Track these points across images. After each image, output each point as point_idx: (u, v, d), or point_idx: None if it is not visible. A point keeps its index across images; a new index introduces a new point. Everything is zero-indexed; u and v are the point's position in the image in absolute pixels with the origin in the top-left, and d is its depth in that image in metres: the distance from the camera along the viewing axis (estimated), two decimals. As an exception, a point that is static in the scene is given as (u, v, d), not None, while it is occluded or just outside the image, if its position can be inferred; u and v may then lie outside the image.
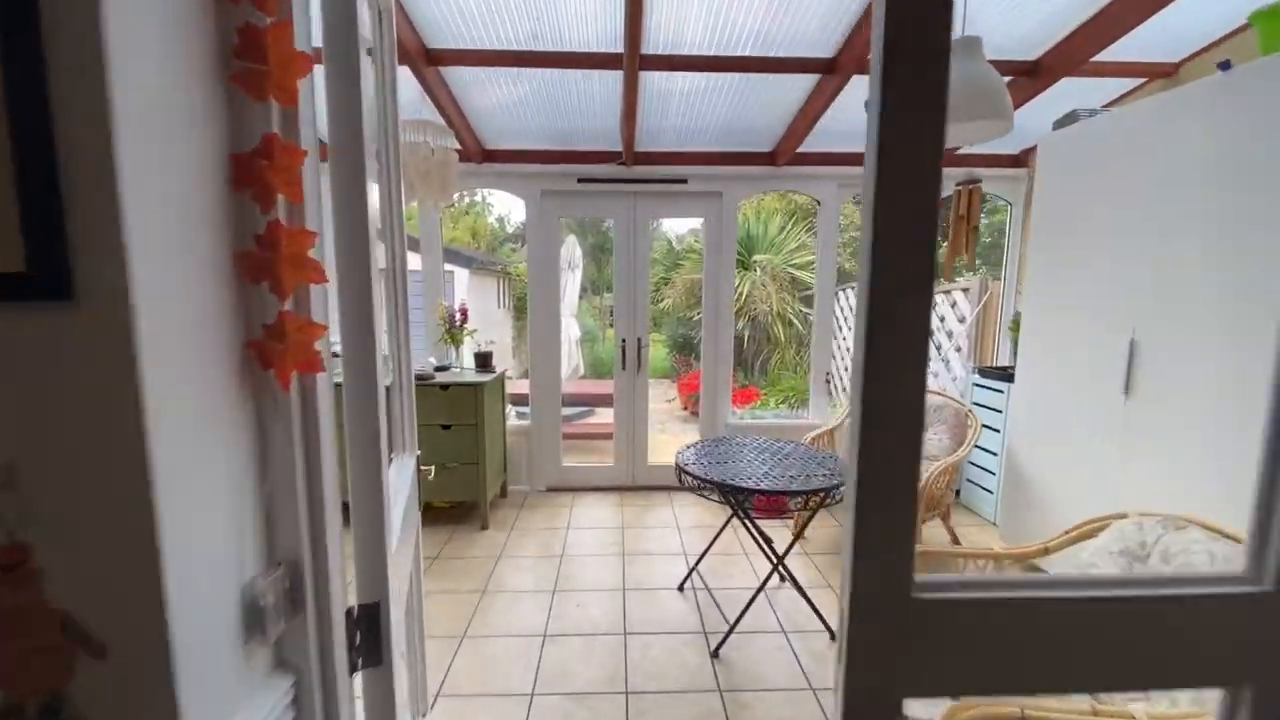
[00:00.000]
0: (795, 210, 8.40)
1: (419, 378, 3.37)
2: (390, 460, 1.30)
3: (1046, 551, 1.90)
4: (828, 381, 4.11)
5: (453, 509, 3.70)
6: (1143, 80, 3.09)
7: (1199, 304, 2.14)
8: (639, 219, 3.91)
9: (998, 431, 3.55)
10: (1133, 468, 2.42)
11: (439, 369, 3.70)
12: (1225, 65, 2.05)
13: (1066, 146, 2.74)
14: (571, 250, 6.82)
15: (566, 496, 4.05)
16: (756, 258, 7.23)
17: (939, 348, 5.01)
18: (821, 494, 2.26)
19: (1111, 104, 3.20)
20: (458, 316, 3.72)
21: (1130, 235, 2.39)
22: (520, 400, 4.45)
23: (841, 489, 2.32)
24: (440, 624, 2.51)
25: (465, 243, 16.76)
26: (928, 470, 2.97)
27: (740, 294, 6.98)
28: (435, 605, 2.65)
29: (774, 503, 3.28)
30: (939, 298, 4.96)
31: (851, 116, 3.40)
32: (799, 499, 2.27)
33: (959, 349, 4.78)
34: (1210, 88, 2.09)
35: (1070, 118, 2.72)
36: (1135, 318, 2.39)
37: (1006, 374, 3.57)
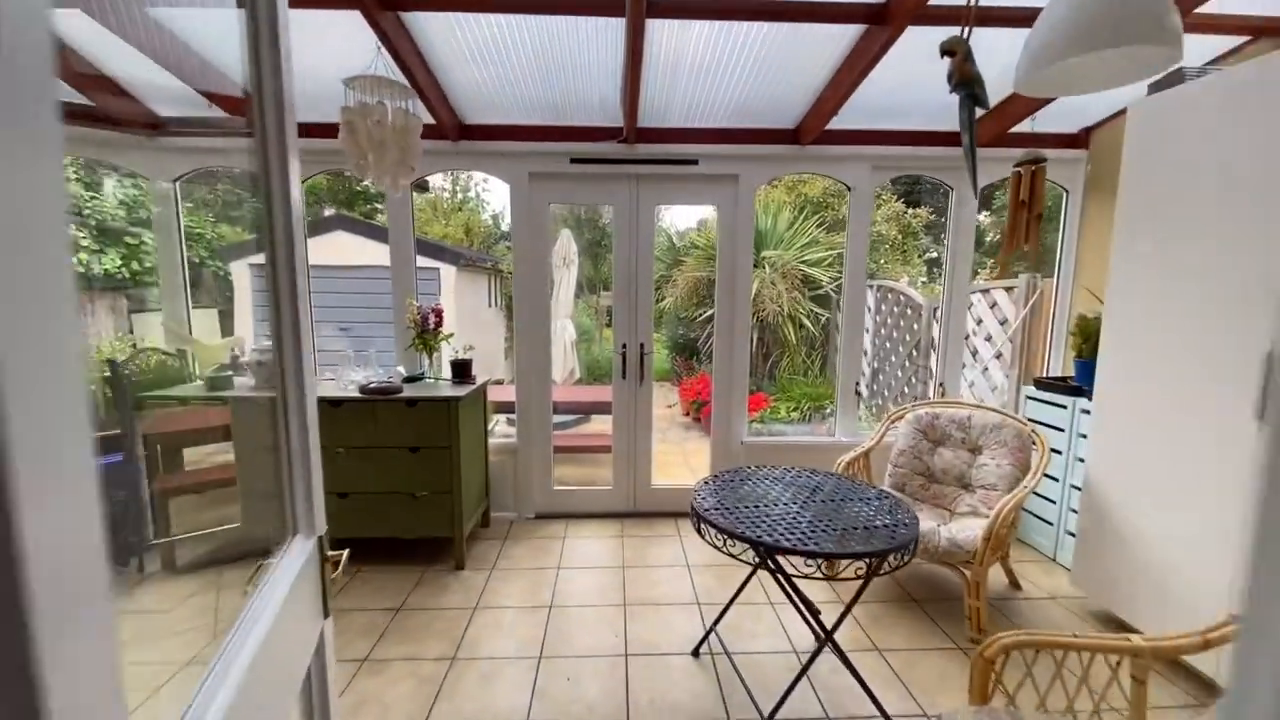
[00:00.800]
0: (805, 203, 7.89)
1: (381, 391, 2.84)
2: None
3: (1207, 645, 1.40)
4: (858, 393, 3.59)
5: (423, 545, 3.17)
6: (1246, 39, 2.59)
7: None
8: (642, 206, 3.39)
9: (1058, 453, 3.04)
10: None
11: (409, 380, 3.17)
12: None
13: (1169, 113, 2.23)
14: (566, 246, 6.30)
15: (558, 525, 3.53)
16: (765, 254, 6.72)
17: (975, 353, 4.50)
18: (887, 556, 1.74)
19: (1213, 63, 2.70)
20: (431, 319, 3.19)
21: (1268, 221, 1.88)
22: (511, 408, 3.93)
23: (912, 547, 1.81)
24: (396, 711, 1.99)
25: (458, 240, 16.23)
26: (991, 504, 2.45)
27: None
28: (391, 683, 2.13)
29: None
30: (975, 298, 4.45)
31: (895, 84, 2.89)
32: (856, 563, 1.75)
33: (998, 355, 4.27)
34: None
35: (1176, 77, 2.21)
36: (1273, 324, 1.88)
37: (1069, 386, 3.07)
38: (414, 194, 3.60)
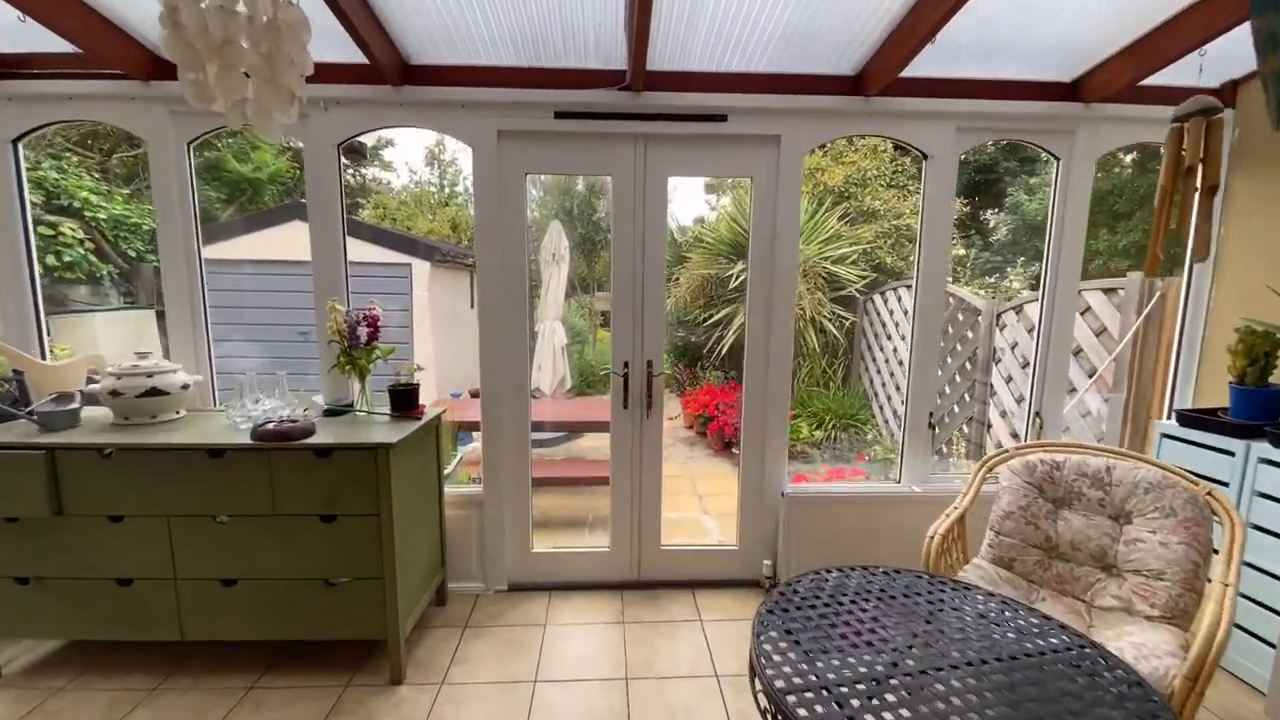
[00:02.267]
0: (825, 193, 7.05)
1: (280, 436, 1.97)
2: None
3: None
4: (932, 427, 2.74)
5: (347, 646, 2.30)
6: None
7: None
8: (651, 177, 2.53)
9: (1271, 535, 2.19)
10: None
11: (333, 413, 2.31)
12: None
13: None
14: (557, 241, 5.43)
15: (538, 601, 2.66)
16: (783, 249, 5.89)
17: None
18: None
19: None
20: (362, 330, 2.32)
21: None
22: (476, 426, 3.06)
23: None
24: None
25: (444, 236, 15.32)
26: (1154, 600, 1.57)
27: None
28: None
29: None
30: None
31: (994, 11, 2.07)
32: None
33: (1092, 374, 3.44)
34: None
35: None
36: None
37: (1233, 425, 2.24)
38: (357, 164, 2.73)
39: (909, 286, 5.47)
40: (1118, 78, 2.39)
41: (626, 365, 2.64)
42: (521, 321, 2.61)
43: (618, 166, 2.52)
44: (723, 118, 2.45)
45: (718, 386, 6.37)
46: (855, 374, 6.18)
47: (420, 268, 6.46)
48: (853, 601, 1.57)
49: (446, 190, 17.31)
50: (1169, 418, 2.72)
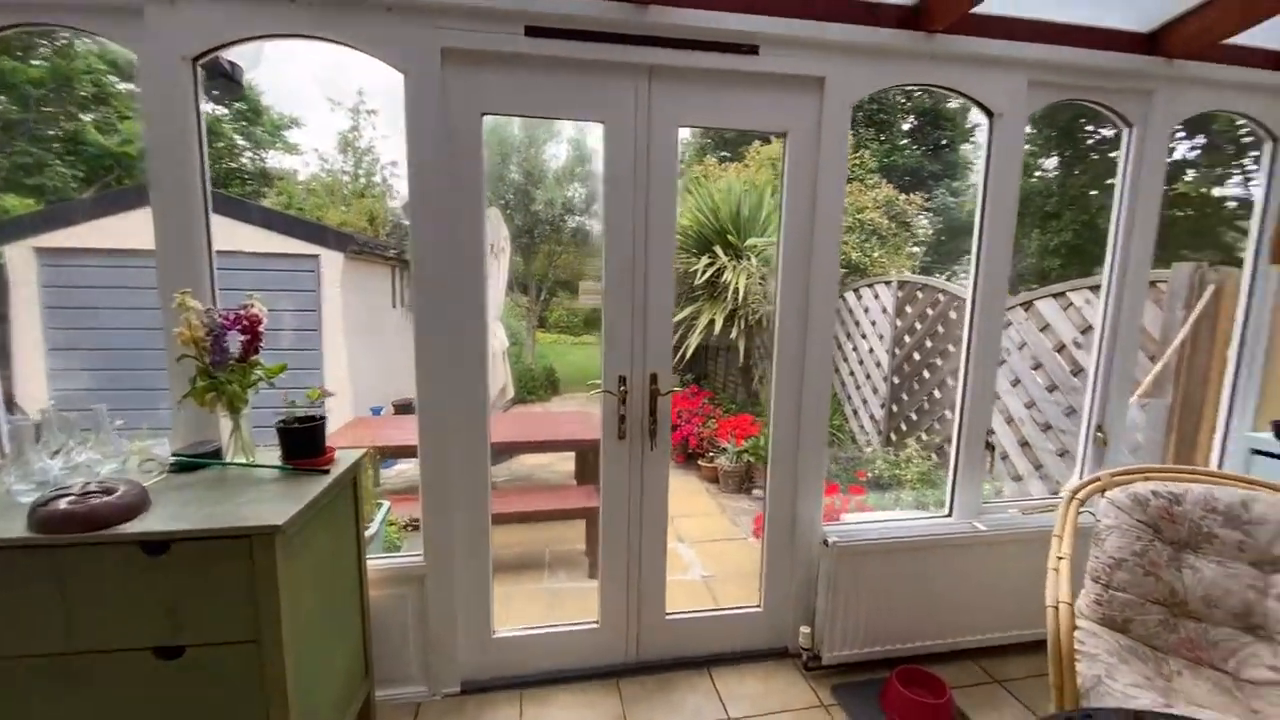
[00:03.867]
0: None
1: (72, 521, 1.16)
2: None
3: None
4: (990, 447, 2.26)
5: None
6: None
7: None
8: (658, 125, 1.87)
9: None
10: None
11: (186, 467, 1.49)
12: None
13: None
14: (495, 231, 4.62)
15: (505, 707, 1.94)
16: (751, 243, 5.39)
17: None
18: None
19: None
20: (232, 339, 1.52)
21: None
22: (408, 452, 2.27)
23: None
24: None
25: (361, 229, 13.87)
26: None
27: (736, 290, 5.09)
28: None
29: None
30: (1081, 295, 3.30)
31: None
32: None
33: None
34: None
35: None
36: None
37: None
38: (226, 97, 1.90)
39: (887, 283, 5.13)
40: (1212, 29, 1.99)
41: (623, 381, 1.97)
42: (479, 312, 1.88)
43: (612, 110, 1.84)
44: (754, 49, 1.83)
45: (680, 392, 5.79)
46: (837, 379, 5.80)
47: (331, 260, 5.44)
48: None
49: (363, 180, 15.81)
50: (1234, 429, 2.38)
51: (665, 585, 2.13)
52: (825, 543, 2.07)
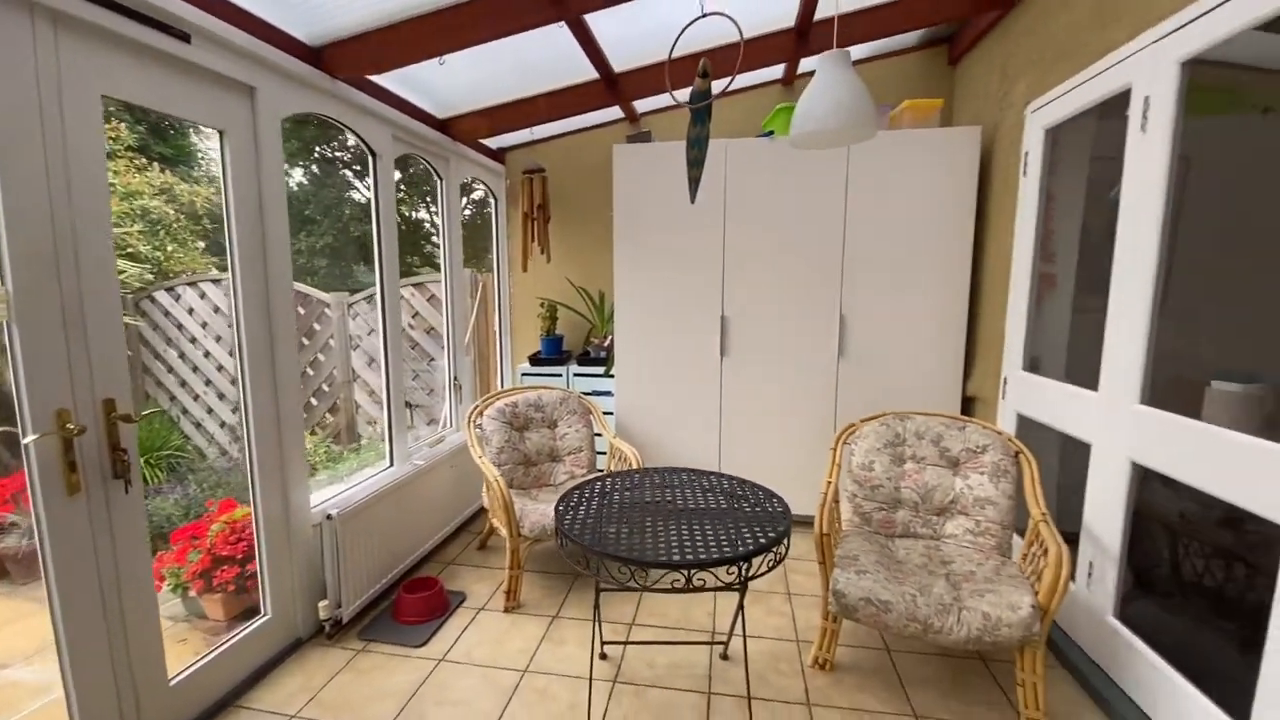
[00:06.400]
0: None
1: None
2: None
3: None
4: (410, 405, 2.98)
5: None
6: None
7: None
8: (71, 85, 1.46)
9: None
10: None
11: None
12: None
13: (637, 156, 3.22)
14: None
15: None
16: None
17: (415, 346, 4.47)
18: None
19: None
20: None
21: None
22: None
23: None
24: None
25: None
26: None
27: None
28: None
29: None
30: (408, 290, 4.40)
31: None
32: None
33: (441, 347, 4.45)
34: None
35: (643, 137, 3.22)
36: None
37: (551, 359, 3.81)
38: None
39: (216, 281, 4.75)
40: (477, 129, 3.35)
41: (65, 417, 1.48)
42: None
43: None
44: (185, 36, 1.74)
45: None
46: (142, 393, 4.73)
47: None
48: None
49: None
50: (507, 366, 4.12)
51: (163, 646, 1.77)
52: (329, 517, 2.29)
